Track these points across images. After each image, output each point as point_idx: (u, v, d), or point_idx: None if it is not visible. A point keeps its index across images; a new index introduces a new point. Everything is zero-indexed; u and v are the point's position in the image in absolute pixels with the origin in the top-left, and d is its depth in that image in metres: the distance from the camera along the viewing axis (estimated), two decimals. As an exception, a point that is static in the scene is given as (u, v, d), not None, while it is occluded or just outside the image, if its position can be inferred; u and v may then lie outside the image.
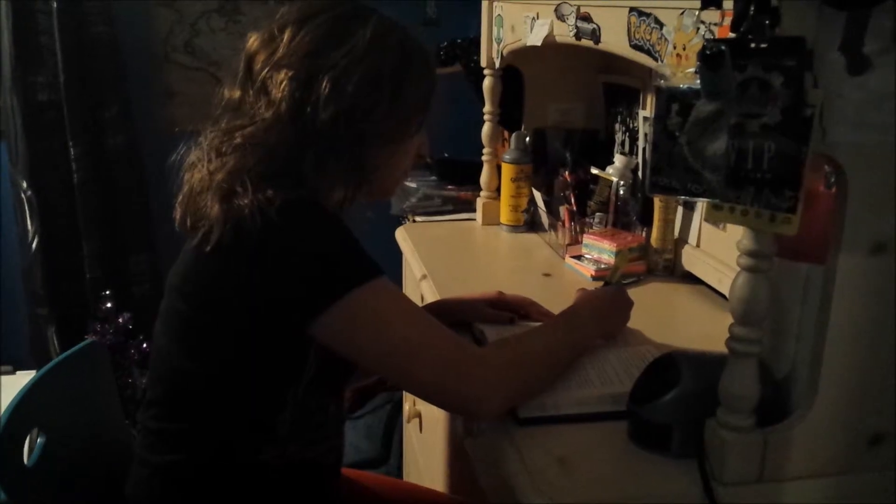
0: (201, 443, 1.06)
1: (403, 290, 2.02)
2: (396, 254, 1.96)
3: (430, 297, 1.49)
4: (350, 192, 1.07)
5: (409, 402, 1.89)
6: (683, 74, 0.79)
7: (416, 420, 1.84)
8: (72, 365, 1.24)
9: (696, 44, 0.98)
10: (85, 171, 2.64)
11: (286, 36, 1.04)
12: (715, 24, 0.92)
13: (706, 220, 1.48)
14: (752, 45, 0.72)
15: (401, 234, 1.95)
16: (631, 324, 1.27)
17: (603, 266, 1.56)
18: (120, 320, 2.44)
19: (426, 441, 1.78)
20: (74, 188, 2.64)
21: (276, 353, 1.01)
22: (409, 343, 0.99)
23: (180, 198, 1.05)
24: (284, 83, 1.01)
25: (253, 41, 1.08)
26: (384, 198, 1.22)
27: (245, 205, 0.95)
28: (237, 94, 1.07)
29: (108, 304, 2.46)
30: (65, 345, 2.60)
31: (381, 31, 1.05)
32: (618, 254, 1.47)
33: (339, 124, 1.01)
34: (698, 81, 0.76)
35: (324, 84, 1.00)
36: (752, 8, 0.72)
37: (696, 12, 0.96)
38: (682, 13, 1.01)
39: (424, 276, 1.61)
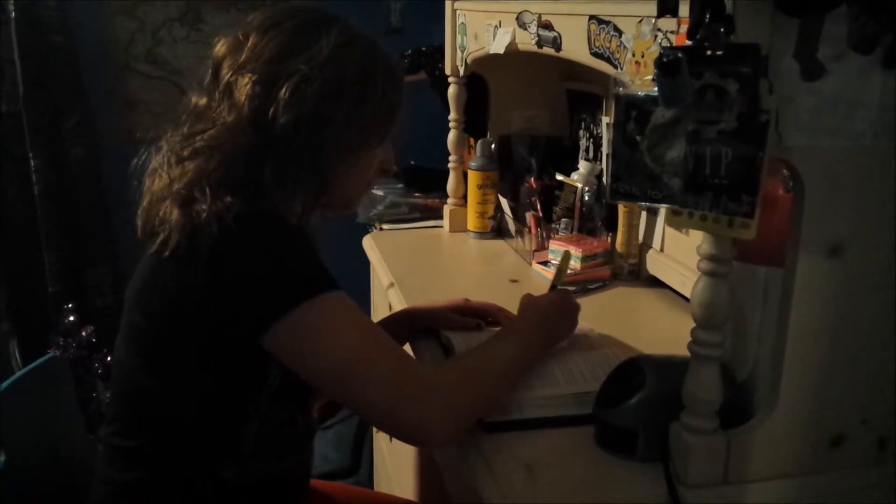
0: (163, 459, 1.05)
1: (371, 299, 2.02)
2: (364, 262, 1.95)
3: (398, 305, 1.49)
4: (310, 202, 1.06)
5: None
6: (642, 82, 0.80)
7: (386, 429, 1.83)
8: (32, 381, 1.22)
9: (655, 51, 0.99)
10: (45, 183, 2.60)
11: (251, 41, 1.04)
12: (672, 32, 0.93)
13: (667, 224, 1.50)
14: (708, 52, 0.73)
15: (368, 243, 1.94)
16: (598, 328, 1.28)
17: (569, 271, 1.57)
18: (83, 333, 2.40)
19: (396, 450, 1.78)
20: (35, 200, 2.60)
21: (236, 365, 1.00)
22: (355, 361, 0.97)
23: (142, 206, 1.05)
24: (247, 87, 1.01)
25: (220, 47, 1.07)
26: (346, 210, 1.20)
27: (203, 210, 0.95)
28: (203, 100, 1.07)
29: (71, 318, 2.42)
30: (27, 359, 2.54)
31: (345, 40, 1.05)
32: (562, 257, 1.39)
33: (299, 130, 1.01)
34: (656, 89, 0.76)
35: (285, 89, 1.00)
36: (708, 16, 0.73)
37: (654, 20, 0.97)
38: (641, 21, 1.02)
39: (392, 285, 1.61)
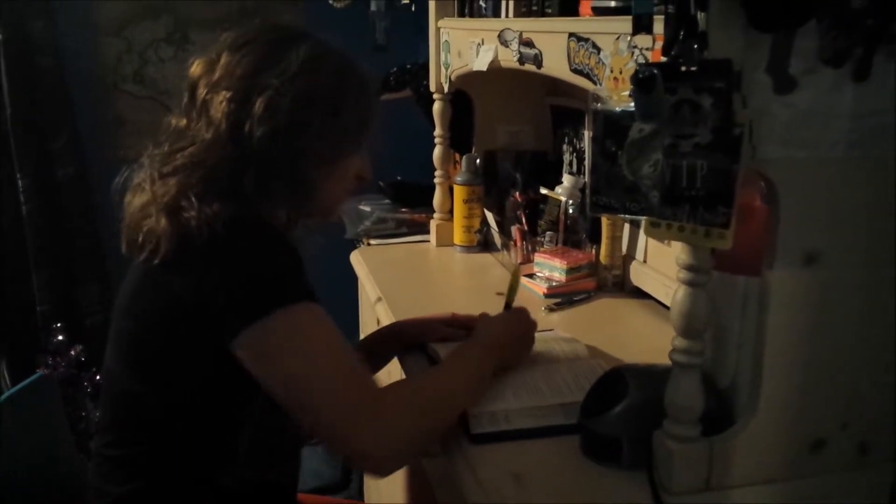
0: (158, 468, 1.05)
1: (359, 314, 2.03)
2: (352, 278, 1.96)
3: (386, 319, 1.50)
4: (292, 212, 1.08)
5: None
6: (620, 97, 0.82)
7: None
8: (21, 400, 1.23)
9: (632, 67, 1.01)
10: (34, 203, 2.60)
11: (224, 60, 1.07)
12: (647, 49, 0.95)
13: (646, 235, 1.52)
14: (683, 68, 0.75)
15: (356, 258, 1.95)
16: (583, 338, 1.29)
17: (554, 283, 1.59)
18: (72, 353, 2.39)
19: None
20: (23, 219, 2.60)
21: (226, 371, 1.00)
22: (308, 375, 0.96)
23: (124, 222, 1.06)
24: (223, 104, 1.03)
25: (195, 67, 1.10)
26: (327, 219, 1.21)
27: (192, 217, 0.97)
28: (182, 121, 1.09)
29: (60, 337, 2.41)
30: (16, 379, 2.54)
31: (315, 54, 1.08)
32: (512, 274, 1.34)
33: (275, 141, 1.03)
34: (633, 104, 0.78)
35: (258, 103, 1.02)
36: (682, 33, 0.75)
37: (630, 37, 0.99)
38: (618, 38, 1.04)
39: (380, 299, 1.62)
